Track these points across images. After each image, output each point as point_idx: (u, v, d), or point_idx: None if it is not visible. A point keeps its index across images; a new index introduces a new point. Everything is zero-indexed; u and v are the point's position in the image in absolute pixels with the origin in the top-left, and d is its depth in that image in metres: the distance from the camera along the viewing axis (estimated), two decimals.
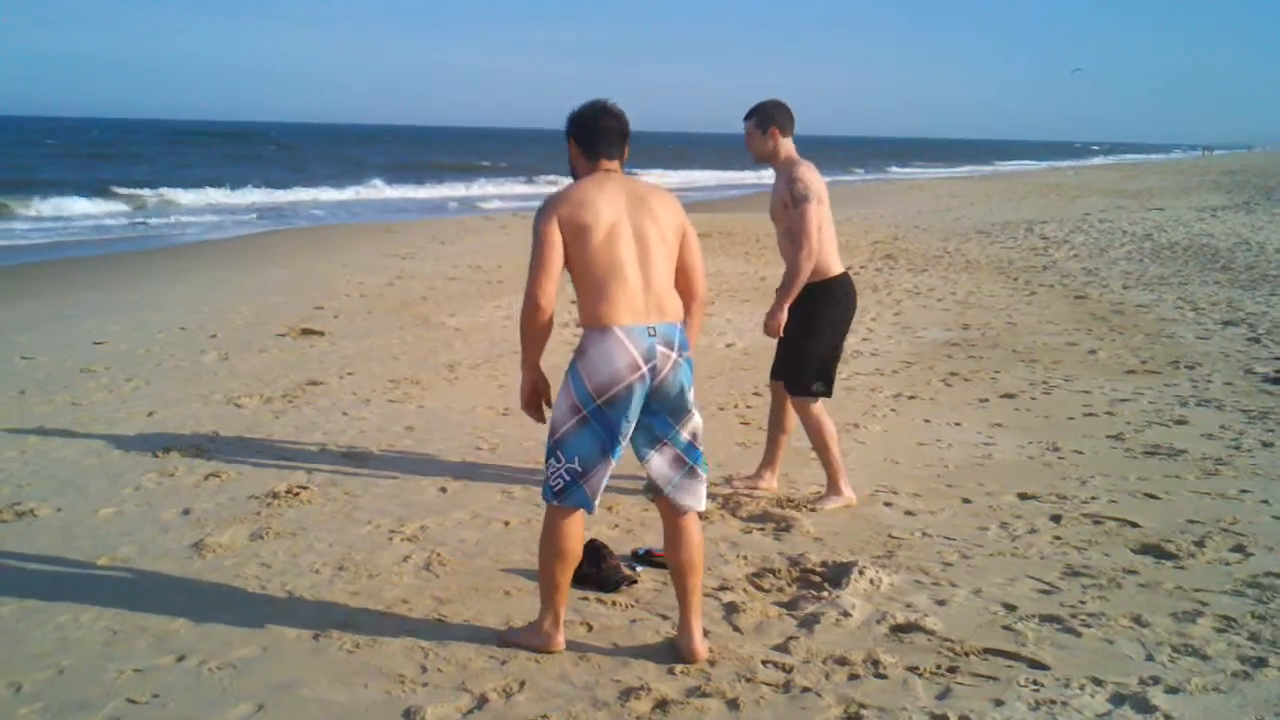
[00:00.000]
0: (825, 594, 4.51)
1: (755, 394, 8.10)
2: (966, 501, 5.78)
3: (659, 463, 3.88)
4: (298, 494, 5.71)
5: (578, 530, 3.94)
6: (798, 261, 5.38)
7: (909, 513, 5.60)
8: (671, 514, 3.95)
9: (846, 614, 4.30)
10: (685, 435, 3.89)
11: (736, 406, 7.79)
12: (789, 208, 5.42)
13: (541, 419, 4.00)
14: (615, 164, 3.95)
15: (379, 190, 37.40)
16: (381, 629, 4.17)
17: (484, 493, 5.86)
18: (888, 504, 5.74)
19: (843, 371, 8.88)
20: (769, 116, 5.47)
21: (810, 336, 5.57)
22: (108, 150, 59.39)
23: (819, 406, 5.67)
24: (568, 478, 3.80)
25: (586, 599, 4.49)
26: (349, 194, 35.60)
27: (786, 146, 5.50)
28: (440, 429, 7.08)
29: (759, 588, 4.63)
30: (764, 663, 3.91)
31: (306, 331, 10.39)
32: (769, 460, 6.02)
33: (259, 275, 15.14)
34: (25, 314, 11.57)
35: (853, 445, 6.79)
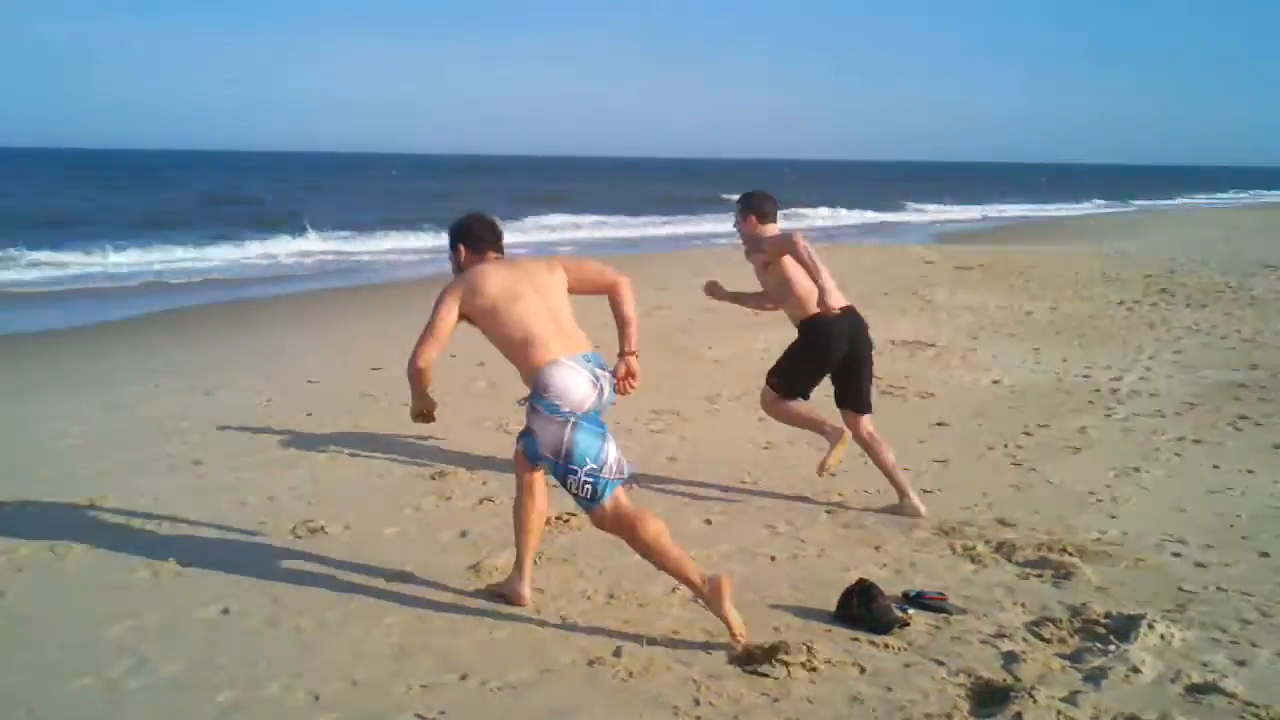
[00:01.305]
0: (1112, 647, 4.28)
1: (1025, 433, 7.83)
2: (1264, 555, 5.40)
3: None
4: (567, 521, 5.84)
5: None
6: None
7: (1200, 565, 5.27)
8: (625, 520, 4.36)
9: (1136, 670, 4.08)
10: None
11: (1006, 446, 7.52)
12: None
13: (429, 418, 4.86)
14: (496, 254, 4.74)
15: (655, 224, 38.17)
16: (654, 659, 4.20)
17: (748, 527, 5.85)
18: (1176, 554, 5.42)
19: (1118, 411, 8.51)
20: (747, 207, 6.37)
21: (801, 356, 6.22)
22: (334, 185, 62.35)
23: (778, 400, 6.28)
24: (593, 480, 4.29)
25: (857, 640, 4.41)
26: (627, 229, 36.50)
27: (754, 229, 6.32)
28: (703, 461, 7.12)
29: (1039, 637, 4.44)
30: (1051, 716, 3.74)
31: None
32: (895, 484, 6.19)
33: None
34: (306, 340, 12.32)
35: (1134, 490, 6.46)
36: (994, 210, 51.41)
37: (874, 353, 6.30)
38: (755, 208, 6.36)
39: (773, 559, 5.34)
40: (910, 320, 13.41)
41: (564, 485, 4.37)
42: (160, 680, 4.03)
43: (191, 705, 3.84)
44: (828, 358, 6.14)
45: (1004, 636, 4.45)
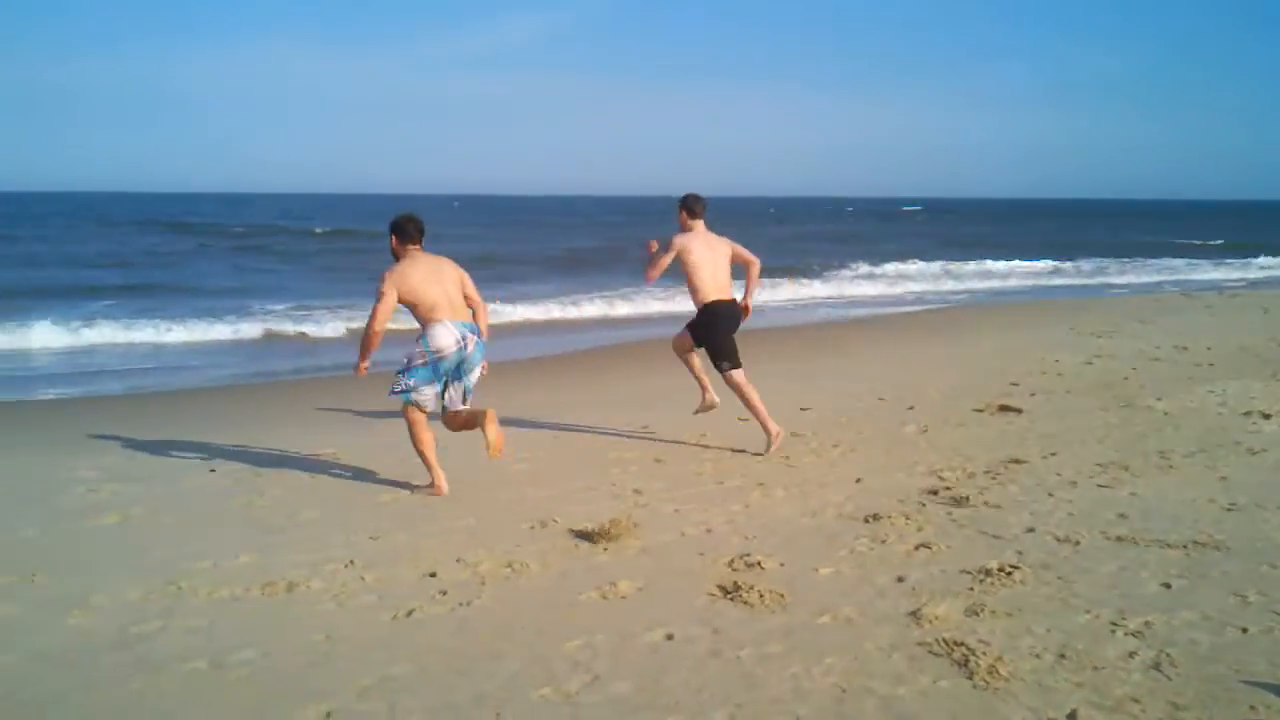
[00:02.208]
0: None
1: None
2: None
3: (451, 394, 7.35)
4: (1010, 573, 5.58)
5: (423, 419, 7.29)
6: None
7: None
8: (462, 415, 7.34)
9: None
10: (471, 380, 7.40)
11: None
12: None
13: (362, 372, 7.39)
14: (418, 246, 7.30)
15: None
16: None
17: (1214, 594, 5.34)
18: None
19: None
20: (681, 204, 8.71)
21: (707, 339, 8.69)
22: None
23: (689, 348, 8.87)
24: (406, 389, 7.21)
25: None
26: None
27: (685, 223, 8.68)
28: (1157, 520, 6.60)
29: None
30: None
31: (1004, 408, 10.26)
32: (760, 420, 8.68)
33: (949, 350, 15.31)
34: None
35: None
36: None
37: None
38: (687, 206, 8.63)
39: (1244, 630, 4.85)
40: None
41: (394, 381, 7.26)
42: (612, 698, 4.19)
43: None
44: (714, 332, 8.61)
45: None
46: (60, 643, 4.79)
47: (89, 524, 6.69)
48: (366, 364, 7.29)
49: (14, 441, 9.47)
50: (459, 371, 7.24)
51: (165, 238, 49.33)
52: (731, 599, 5.28)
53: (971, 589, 5.40)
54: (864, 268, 35.57)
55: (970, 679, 4.34)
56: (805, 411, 10.34)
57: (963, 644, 4.65)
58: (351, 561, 5.87)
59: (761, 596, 5.26)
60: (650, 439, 9.21)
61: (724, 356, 8.60)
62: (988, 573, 5.60)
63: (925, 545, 6.11)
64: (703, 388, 9.03)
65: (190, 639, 4.83)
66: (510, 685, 4.32)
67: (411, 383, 7.15)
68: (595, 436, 9.38)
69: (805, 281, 30.15)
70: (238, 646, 4.72)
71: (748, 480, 7.66)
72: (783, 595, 5.29)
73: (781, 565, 5.82)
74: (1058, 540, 6.21)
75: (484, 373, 7.51)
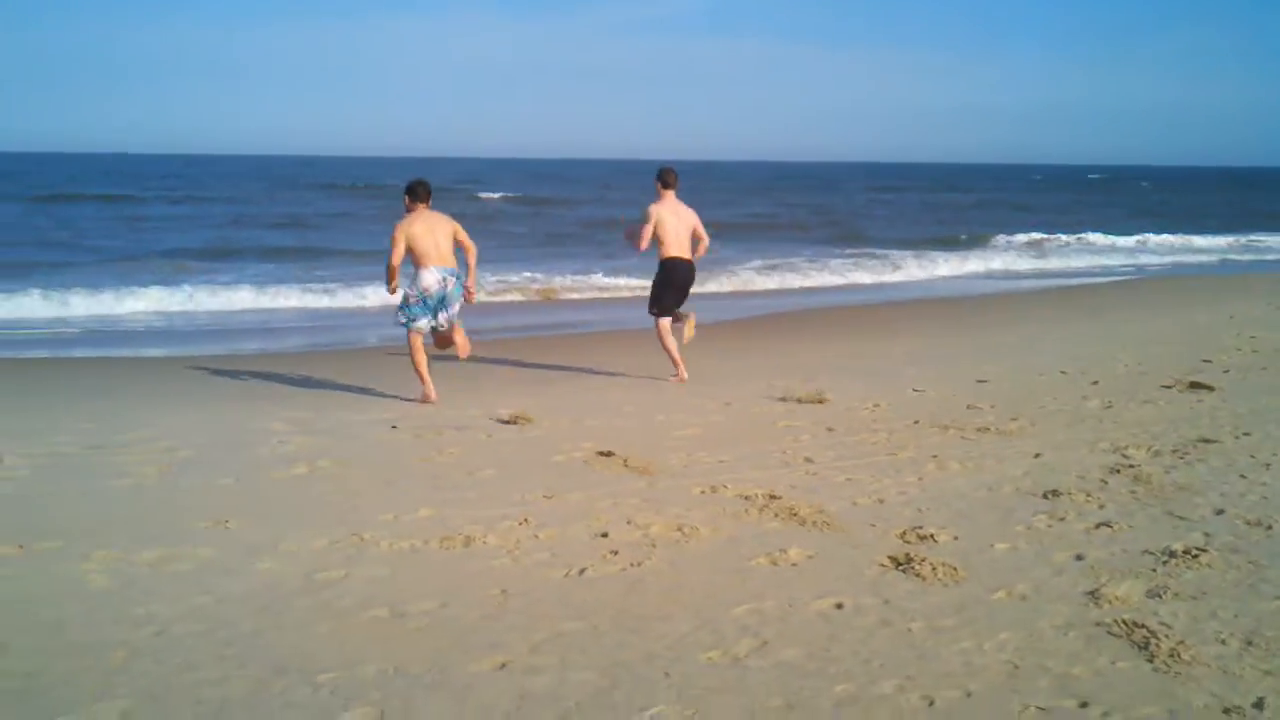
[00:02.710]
0: None
1: None
2: None
3: (441, 318, 9.37)
4: (1196, 556, 5.36)
5: (419, 342, 9.38)
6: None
7: None
8: (449, 334, 9.58)
9: None
10: (455, 309, 9.43)
11: None
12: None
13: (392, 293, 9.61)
14: (425, 205, 9.30)
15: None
16: None
17: None
18: None
19: None
20: (657, 176, 10.54)
21: (653, 289, 10.61)
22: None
23: (662, 323, 10.54)
24: (408, 322, 9.33)
25: None
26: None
27: (660, 191, 10.48)
28: None
29: None
30: None
31: (1194, 385, 9.85)
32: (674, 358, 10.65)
33: (1139, 323, 14.77)
34: (908, 348, 12.41)
35: None
36: None
37: None
38: (660, 177, 10.43)
39: None
40: None
41: (397, 315, 9.44)
42: (780, 663, 4.20)
43: (810, 692, 3.96)
44: (670, 283, 10.37)
45: None
46: (251, 586, 5.04)
47: (279, 475, 7.01)
48: (393, 285, 9.42)
49: (214, 394, 9.97)
50: (443, 303, 9.28)
51: (340, 202, 51.19)
52: (903, 571, 5.22)
53: (1154, 570, 5.21)
54: (1049, 237, 34.59)
55: (1150, 661, 4.21)
56: (982, 384, 10.13)
57: (1143, 626, 4.50)
58: (526, 519, 6.00)
59: (934, 569, 5.18)
60: (823, 407, 9.15)
61: (663, 307, 10.48)
62: (1172, 554, 5.40)
63: (1106, 524, 5.92)
64: (676, 361, 10.64)
65: (372, 588, 5.02)
66: (679, 646, 4.37)
67: (410, 315, 9.26)
68: (767, 403, 9.37)
69: (985, 252, 29.53)
70: (417, 597, 4.89)
71: (922, 452, 7.55)
72: (956, 569, 5.20)
73: (955, 539, 5.72)
74: (1248, 524, 5.95)
75: (468, 300, 9.54)
